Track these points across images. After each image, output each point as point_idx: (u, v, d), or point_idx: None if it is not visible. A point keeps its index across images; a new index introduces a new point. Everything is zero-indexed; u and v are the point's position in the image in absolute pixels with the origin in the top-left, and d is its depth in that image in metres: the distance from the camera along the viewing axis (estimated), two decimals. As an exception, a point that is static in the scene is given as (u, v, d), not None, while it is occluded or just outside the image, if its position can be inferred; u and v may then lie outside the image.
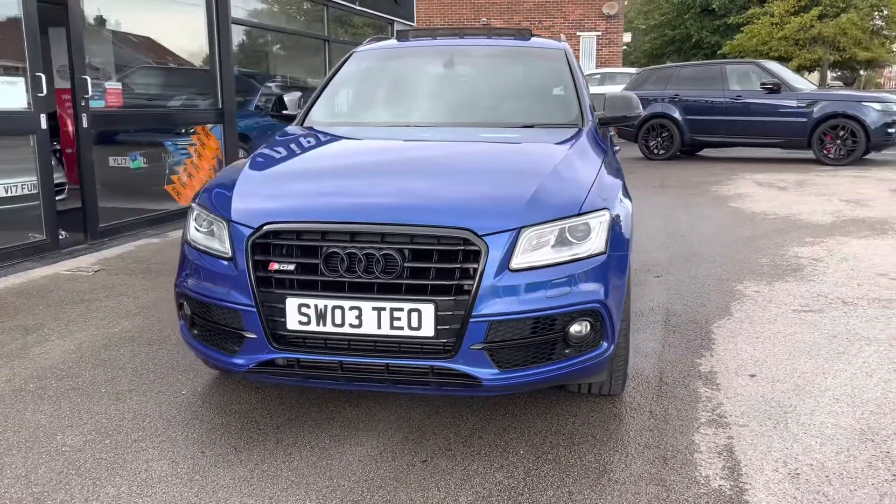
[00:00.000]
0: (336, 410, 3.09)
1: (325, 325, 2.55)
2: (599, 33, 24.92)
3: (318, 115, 3.97)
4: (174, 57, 7.91)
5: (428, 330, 2.50)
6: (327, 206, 2.71)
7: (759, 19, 29.10)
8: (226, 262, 2.71)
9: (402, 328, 2.51)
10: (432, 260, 2.52)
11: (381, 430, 2.92)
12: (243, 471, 2.64)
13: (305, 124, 3.89)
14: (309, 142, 3.66)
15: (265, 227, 2.63)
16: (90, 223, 6.23)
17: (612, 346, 2.74)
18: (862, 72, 37.06)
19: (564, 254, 2.61)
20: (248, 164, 3.18)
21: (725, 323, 4.18)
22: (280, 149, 3.48)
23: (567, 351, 2.64)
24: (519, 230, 2.55)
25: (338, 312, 2.54)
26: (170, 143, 7.42)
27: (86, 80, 5.99)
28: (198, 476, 2.60)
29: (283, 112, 4.12)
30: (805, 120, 12.28)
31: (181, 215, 7.29)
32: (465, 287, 2.49)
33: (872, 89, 34.89)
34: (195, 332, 2.89)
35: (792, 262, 5.64)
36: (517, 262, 2.53)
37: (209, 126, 7.76)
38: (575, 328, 2.62)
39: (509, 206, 2.64)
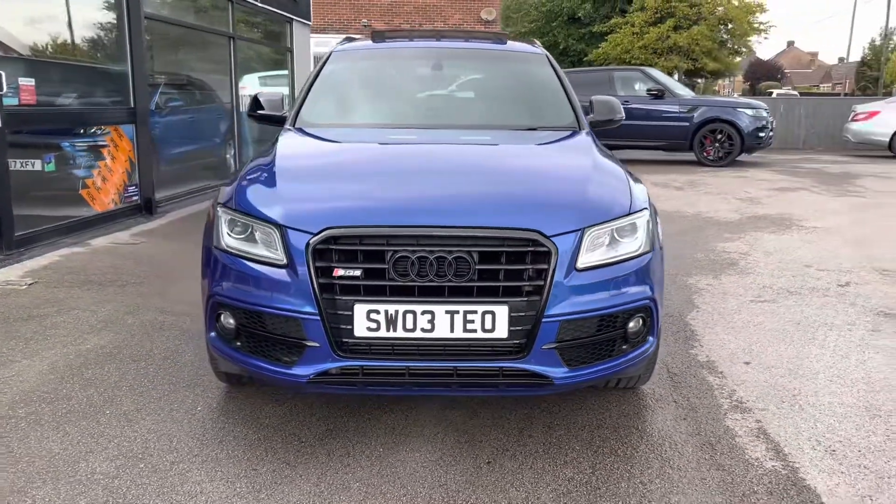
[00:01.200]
0: (373, 418, 3.03)
1: (395, 330, 2.51)
2: (478, 38, 25.42)
3: (314, 117, 3.85)
4: (84, 53, 7.37)
5: (501, 332, 2.51)
6: (389, 209, 2.65)
7: (622, 29, 30.72)
8: (280, 269, 2.59)
9: (475, 331, 2.51)
10: (502, 261, 2.53)
11: (429, 436, 2.90)
12: (308, 485, 2.54)
13: (299, 125, 3.76)
14: (330, 144, 3.55)
15: (325, 232, 2.54)
16: (5, 232, 5.70)
17: (657, 341, 2.87)
18: (699, 80, 39.87)
19: (618, 253, 2.70)
20: (277, 167, 3.04)
21: (697, 315, 4.44)
22: (303, 151, 3.37)
23: (624, 347, 2.74)
24: (583, 231, 2.62)
25: (409, 317, 2.50)
26: (81, 144, 6.91)
27: (0, 74, 5.47)
28: (263, 494, 2.49)
29: (265, 113, 3.96)
30: (687, 124, 13.14)
31: (98, 221, 6.82)
32: (536, 288, 2.52)
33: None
34: (238, 343, 2.74)
35: (724, 256, 6.05)
36: (582, 262, 2.60)
37: (121, 126, 7.29)
38: (632, 325, 2.72)
39: (571, 208, 2.70)
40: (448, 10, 25.21)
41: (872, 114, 15.14)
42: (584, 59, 32.99)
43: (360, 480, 2.58)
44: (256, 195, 2.82)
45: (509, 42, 4.47)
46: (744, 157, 13.85)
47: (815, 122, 18.33)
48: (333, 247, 2.54)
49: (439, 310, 2.50)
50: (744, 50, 33.31)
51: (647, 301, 2.74)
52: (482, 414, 3.08)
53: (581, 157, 3.26)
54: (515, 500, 2.46)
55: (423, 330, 2.51)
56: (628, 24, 30.57)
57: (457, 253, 2.49)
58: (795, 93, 41.90)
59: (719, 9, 31.28)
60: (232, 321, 2.72)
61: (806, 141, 18.37)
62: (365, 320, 2.50)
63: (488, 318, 2.50)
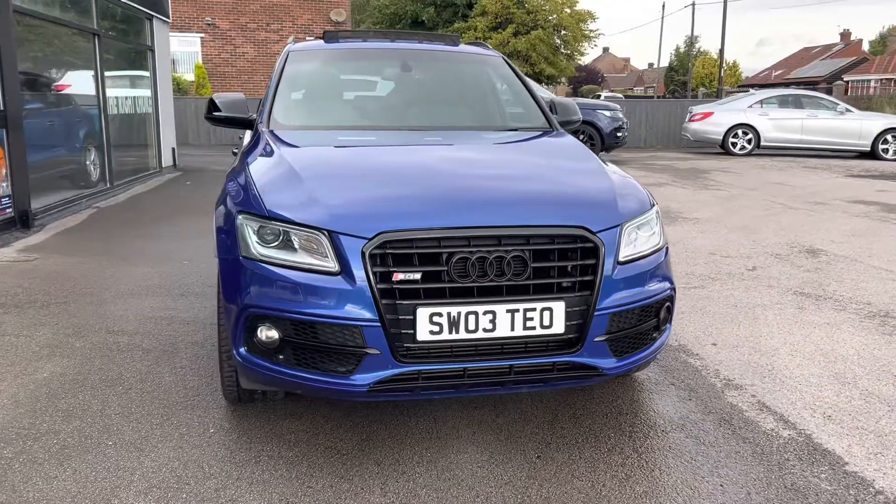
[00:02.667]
0: (402, 424, 2.99)
1: (457, 332, 2.50)
2: (327, 39, 25.15)
3: (290, 119, 3.71)
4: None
5: (559, 327, 2.57)
6: (441, 210, 2.62)
7: (466, 33, 31.56)
8: (332, 277, 2.50)
9: (534, 328, 2.55)
10: (555, 258, 2.59)
11: (467, 437, 2.90)
12: (376, 496, 2.48)
13: (274, 127, 3.61)
14: (333, 146, 3.44)
15: (380, 237, 2.49)
16: None
17: (671, 328, 3.05)
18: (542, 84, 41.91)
19: (647, 246, 2.84)
20: (298, 170, 2.90)
21: (645, 303, 4.71)
22: (314, 154, 3.24)
23: (654, 335, 2.89)
24: (621, 226, 2.74)
25: (471, 318, 2.50)
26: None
27: None
28: (335, 511, 2.40)
29: (228, 115, 3.76)
30: (551, 125, 13.76)
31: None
32: (587, 282, 2.61)
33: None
34: (280, 357, 2.60)
35: (636, 248, 6.43)
36: (622, 255, 2.72)
37: (-8, 132, 6.58)
38: (662, 313, 2.88)
39: (609, 204, 2.81)
40: (297, 10, 24.77)
41: (707, 115, 16.61)
42: (430, 62, 33.53)
43: (426, 486, 2.55)
44: (289, 201, 2.69)
45: (462, 45, 4.51)
46: (603, 154, 14.71)
47: (653, 122, 19.80)
48: (389, 251, 2.49)
49: (500, 309, 2.52)
50: (577, 55, 35.19)
51: (671, 290, 2.91)
52: (507, 411, 3.12)
53: (588, 156, 3.38)
54: (583, 489, 2.54)
55: (484, 330, 2.52)
56: (472, 30, 31.45)
57: (514, 252, 2.53)
58: (620, 95, 44.87)
59: (551, 17, 32.91)
60: (275, 334, 2.58)
61: (647, 140, 19.80)
62: (428, 324, 2.48)
63: (546, 314, 2.56)
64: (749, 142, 16.23)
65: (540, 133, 3.84)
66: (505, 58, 4.46)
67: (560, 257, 2.60)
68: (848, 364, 3.67)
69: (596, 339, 2.64)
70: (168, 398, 3.22)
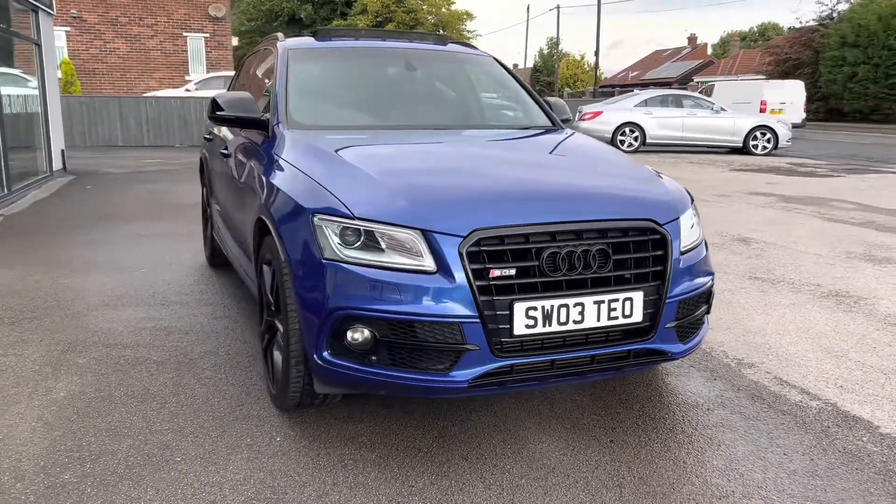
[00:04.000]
0: (466, 419, 3.04)
1: (550, 325, 2.58)
2: (207, 35, 24.29)
3: (306, 118, 3.63)
4: None
5: (637, 316, 2.71)
6: (528, 207, 2.68)
7: (346, 31, 31.37)
8: (429, 276, 2.52)
9: (616, 318, 2.68)
10: (630, 250, 2.73)
11: (535, 427, 2.99)
12: (481, 490, 2.52)
13: (297, 127, 3.52)
14: (381, 144, 3.44)
15: (475, 234, 2.53)
16: None
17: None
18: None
19: (694, 237, 3.04)
20: (365, 170, 2.86)
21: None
22: (369, 151, 3.21)
23: (704, 319, 3.09)
24: (679, 218, 2.91)
25: (563, 311, 2.60)
26: None
27: None
28: (451, 507, 2.42)
29: (239, 115, 3.64)
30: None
31: None
32: (659, 272, 2.77)
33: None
34: (374, 357, 2.59)
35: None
36: (682, 246, 2.89)
37: None
38: (711, 300, 3.08)
39: (665, 198, 2.97)
40: (172, 5, 23.76)
41: (596, 114, 17.41)
42: (310, 60, 33.07)
43: (524, 476, 2.61)
44: (373, 201, 2.66)
45: (450, 44, 4.56)
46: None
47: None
48: (483, 248, 2.54)
49: (588, 301, 2.62)
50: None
51: (713, 277, 3.12)
52: (557, 402, 3.23)
53: (617, 153, 3.54)
54: (668, 466, 2.69)
55: (574, 322, 2.61)
56: (352, 27, 31.33)
57: (598, 245, 2.64)
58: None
59: (430, 17, 33.34)
60: (368, 335, 2.56)
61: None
62: (524, 318, 2.55)
63: (627, 304, 2.69)
64: (636, 139, 17.14)
65: (546, 130, 3.97)
66: (495, 57, 4.55)
67: (635, 249, 2.73)
68: (830, 339, 4.05)
69: (667, 326, 2.80)
70: (212, 410, 3.10)
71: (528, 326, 2.55)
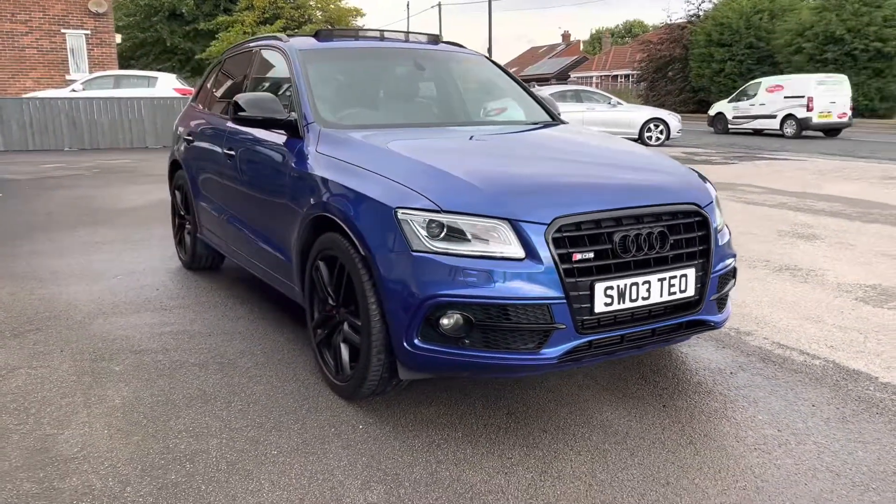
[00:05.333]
0: (525, 396, 3.25)
1: (623, 302, 2.84)
2: (88, 32, 23.07)
3: (341, 118, 3.71)
4: None
5: (690, 290, 3.02)
6: (600, 194, 2.92)
7: (233, 27, 30.56)
8: (518, 262, 2.72)
9: (675, 293, 2.97)
10: (681, 231, 3.03)
11: (590, 399, 3.25)
12: (574, 455, 2.75)
13: (331, 127, 3.60)
14: (428, 140, 3.60)
15: (558, 221, 2.75)
16: None
17: (724, 288, 3.62)
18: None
19: (720, 219, 3.38)
20: (436, 166, 3.01)
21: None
22: (427, 145, 3.37)
23: (729, 293, 3.44)
24: (713, 201, 3.24)
25: (633, 289, 2.86)
26: None
27: None
28: (603, 476, 2.63)
29: (266, 116, 3.68)
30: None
31: None
32: (704, 251, 3.08)
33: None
34: (467, 341, 2.75)
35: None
36: (718, 226, 3.22)
37: None
38: (736, 275, 3.44)
39: (701, 183, 3.30)
40: (49, 0, 22.33)
41: (500, 111, 17.85)
42: (196, 57, 31.99)
43: (607, 441, 2.86)
44: (455, 195, 2.82)
45: (441, 43, 4.72)
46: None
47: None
48: (565, 234, 2.76)
49: (653, 278, 2.90)
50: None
51: (735, 255, 3.47)
52: (597, 375, 3.50)
53: (634, 144, 3.84)
54: (727, 424, 3.00)
55: (643, 298, 2.89)
56: (239, 23, 30.52)
57: (658, 228, 2.93)
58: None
59: (318, 13, 32.99)
60: (461, 319, 2.73)
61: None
62: (603, 297, 2.79)
63: (683, 280, 2.99)
64: (540, 133, 17.74)
65: (554, 124, 4.23)
66: (487, 56, 4.76)
67: (685, 230, 3.03)
68: (803, 307, 4.53)
69: (711, 299, 3.12)
70: (280, 405, 3.17)
71: (605, 304, 2.79)
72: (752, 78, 33.94)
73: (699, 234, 3.06)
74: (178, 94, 20.49)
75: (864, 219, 7.58)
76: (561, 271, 2.71)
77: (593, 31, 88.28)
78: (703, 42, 35.81)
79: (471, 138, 3.71)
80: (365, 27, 4.45)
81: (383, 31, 4.52)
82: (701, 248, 3.06)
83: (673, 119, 18.30)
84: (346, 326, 3.18)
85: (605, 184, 3.07)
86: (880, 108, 30.04)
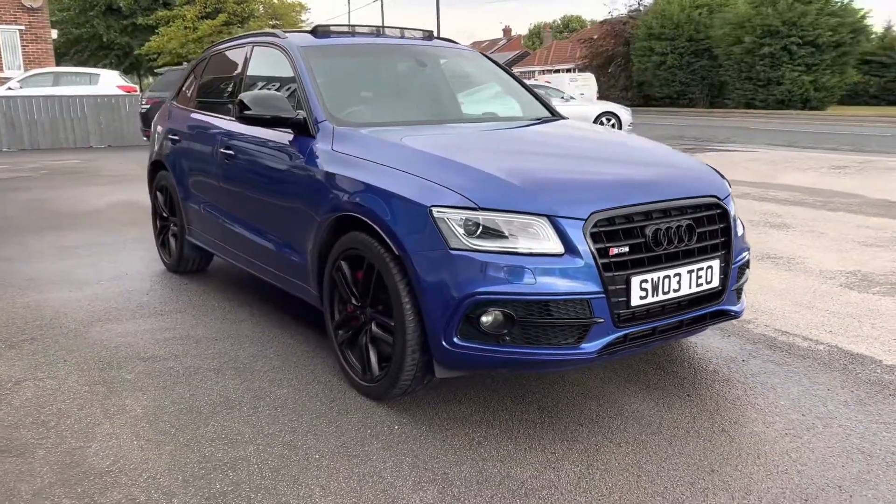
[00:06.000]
0: (553, 392, 3.28)
1: (657, 295, 2.89)
2: (22, 27, 22.20)
3: (350, 116, 3.66)
4: None
5: (715, 281, 3.09)
6: (632, 188, 2.95)
7: (174, 22, 29.79)
8: (557, 258, 2.74)
9: (702, 284, 3.04)
10: (705, 224, 3.09)
11: (618, 390, 3.29)
12: (616, 449, 2.78)
13: (343, 125, 3.55)
14: (449, 137, 3.58)
15: (594, 216, 2.78)
16: None
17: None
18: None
19: (734, 211, 3.46)
20: (460, 162, 3.00)
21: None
22: (449, 142, 3.37)
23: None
24: (730, 194, 3.32)
25: (666, 281, 2.91)
26: None
27: None
28: (653, 464, 2.67)
29: (273, 115, 3.60)
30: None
31: None
32: (726, 242, 3.15)
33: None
34: (507, 338, 2.76)
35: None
36: (735, 218, 3.30)
37: None
38: (749, 265, 3.52)
39: (718, 177, 3.37)
40: (-16, -5, 21.41)
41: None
42: (135, 52, 31.13)
43: (644, 432, 2.90)
44: (491, 191, 2.82)
45: (435, 39, 4.69)
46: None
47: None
48: (601, 229, 2.79)
49: (683, 271, 2.96)
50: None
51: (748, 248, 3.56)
52: (617, 368, 3.55)
53: (650, 140, 3.89)
54: (753, 411, 3.08)
55: (674, 290, 2.94)
56: (180, 18, 29.76)
57: (686, 221, 2.98)
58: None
59: (260, 7, 32.38)
60: (501, 316, 2.73)
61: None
62: (639, 290, 2.83)
63: (709, 271, 3.05)
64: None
65: (555, 119, 4.26)
66: (481, 52, 4.77)
67: (708, 222, 3.10)
68: (793, 295, 4.68)
69: (732, 289, 3.20)
70: (309, 409, 3.12)
71: (641, 298, 2.84)
72: (693, 71, 34.87)
73: (720, 226, 3.12)
74: (121, 92, 19.91)
75: (827, 207, 7.85)
76: (600, 266, 2.74)
77: (531, 27, 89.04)
78: (644, 35, 36.50)
79: (487, 135, 3.71)
80: (359, 24, 4.36)
81: (378, 27, 4.48)
82: (722, 239, 3.12)
83: (624, 113, 18.62)
84: (373, 327, 3.15)
85: (634, 179, 3.11)
86: (814, 100, 31.16)
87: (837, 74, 30.94)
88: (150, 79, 38.96)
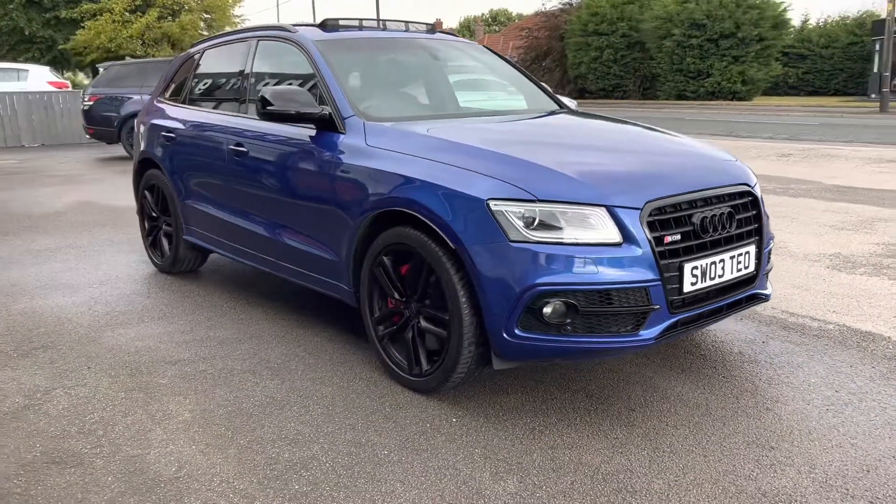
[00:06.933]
0: (590, 379, 3.35)
1: (705, 281, 2.99)
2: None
3: (376, 111, 3.64)
4: None
5: (752, 266, 3.21)
6: (670, 180, 3.03)
7: (102, 16, 28.75)
8: (615, 247, 2.80)
9: (741, 269, 3.15)
10: (741, 210, 3.21)
11: (655, 376, 3.38)
12: (675, 431, 2.87)
13: (372, 120, 3.53)
14: (488, 131, 3.62)
15: (649, 205, 2.86)
16: None
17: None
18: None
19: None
20: (509, 155, 3.03)
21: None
22: (488, 137, 3.37)
23: (768, 266, 3.66)
24: (757, 182, 3.45)
25: (713, 268, 3.02)
26: None
27: None
28: (715, 445, 2.75)
29: (302, 111, 3.54)
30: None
31: None
32: (758, 228, 3.28)
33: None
34: (569, 328, 2.80)
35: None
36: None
37: None
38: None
39: (744, 166, 3.48)
40: None
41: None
42: (59, 47, 29.94)
43: (695, 414, 3.00)
44: (550, 183, 2.86)
45: (437, 32, 4.69)
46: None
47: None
48: (655, 218, 2.87)
49: (727, 256, 3.07)
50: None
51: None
52: (647, 353, 3.64)
53: (668, 131, 3.99)
54: (793, 390, 3.22)
55: (719, 276, 3.04)
56: (108, 12, 28.71)
57: (727, 208, 3.09)
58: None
59: (192, 1, 31.54)
60: (562, 306, 2.77)
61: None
62: (690, 276, 2.93)
63: (747, 257, 3.17)
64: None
65: (565, 112, 4.34)
66: (485, 45, 4.79)
67: (743, 209, 3.21)
68: (790, 278, 4.88)
69: (764, 273, 3.32)
70: (359, 406, 3.10)
71: (692, 284, 2.93)
72: (626, 64, 35.64)
73: (753, 213, 3.24)
74: (52, 88, 19.17)
75: (789, 193, 8.19)
76: (656, 254, 2.81)
77: (461, 20, 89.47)
78: (579, 31, 37.06)
79: (521, 127, 3.75)
80: (365, 17, 4.32)
81: (382, 20, 4.46)
82: (755, 226, 3.24)
83: (571, 104, 18.85)
84: (421, 321, 3.15)
85: (678, 168, 3.20)
86: (741, 92, 32.26)
87: (763, 66, 32.10)
88: (81, 75, 37.54)
